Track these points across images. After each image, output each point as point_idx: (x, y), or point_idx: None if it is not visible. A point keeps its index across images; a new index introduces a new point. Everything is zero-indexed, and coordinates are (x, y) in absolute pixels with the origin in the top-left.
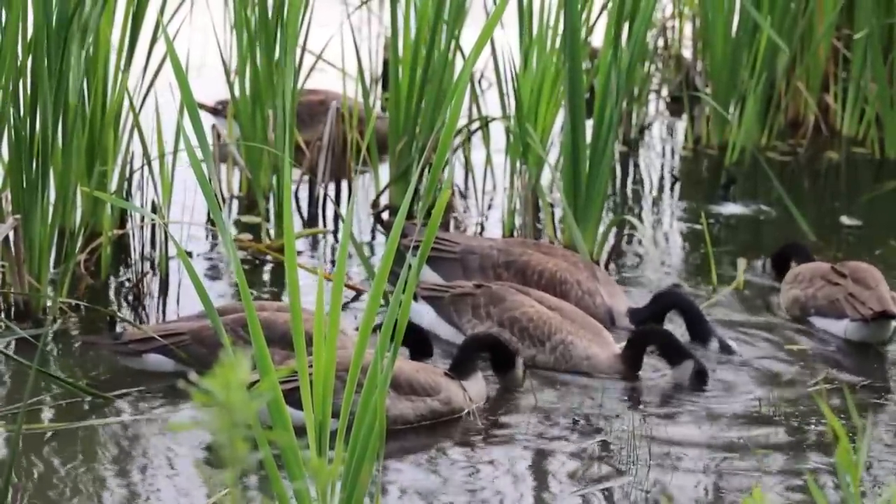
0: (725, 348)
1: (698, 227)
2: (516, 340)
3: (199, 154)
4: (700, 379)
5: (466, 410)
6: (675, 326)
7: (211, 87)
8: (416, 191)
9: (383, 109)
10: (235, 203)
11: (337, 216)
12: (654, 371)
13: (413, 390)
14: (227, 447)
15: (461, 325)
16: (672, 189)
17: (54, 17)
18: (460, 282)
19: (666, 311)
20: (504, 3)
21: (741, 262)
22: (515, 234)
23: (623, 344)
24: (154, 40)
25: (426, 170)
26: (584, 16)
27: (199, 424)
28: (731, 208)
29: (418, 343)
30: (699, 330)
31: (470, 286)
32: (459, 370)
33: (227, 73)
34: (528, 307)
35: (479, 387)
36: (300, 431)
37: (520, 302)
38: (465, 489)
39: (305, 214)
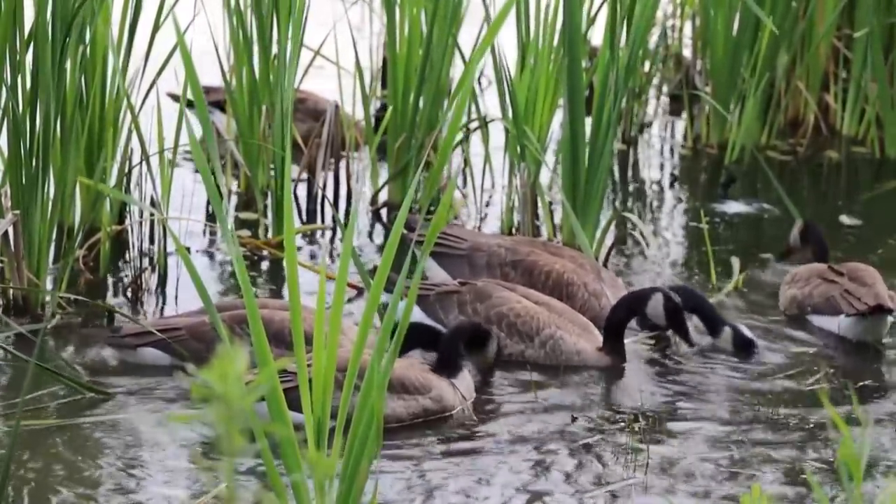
0: (740, 337)
1: (698, 225)
2: (504, 336)
3: (199, 151)
4: (673, 311)
5: (459, 407)
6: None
7: (208, 81)
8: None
9: (383, 107)
10: (234, 199)
11: (334, 213)
12: (652, 368)
13: (405, 389)
14: (225, 440)
15: (448, 322)
16: (671, 188)
17: (58, 12)
18: (445, 280)
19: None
20: (506, 11)
21: (736, 262)
22: (513, 231)
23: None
24: (153, 36)
25: (425, 167)
26: (584, 12)
27: (197, 417)
28: (730, 207)
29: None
30: (710, 322)
31: (455, 283)
32: (446, 368)
33: (223, 69)
34: (515, 303)
35: (468, 383)
36: (298, 430)
37: (506, 298)
38: (463, 486)
39: (304, 211)
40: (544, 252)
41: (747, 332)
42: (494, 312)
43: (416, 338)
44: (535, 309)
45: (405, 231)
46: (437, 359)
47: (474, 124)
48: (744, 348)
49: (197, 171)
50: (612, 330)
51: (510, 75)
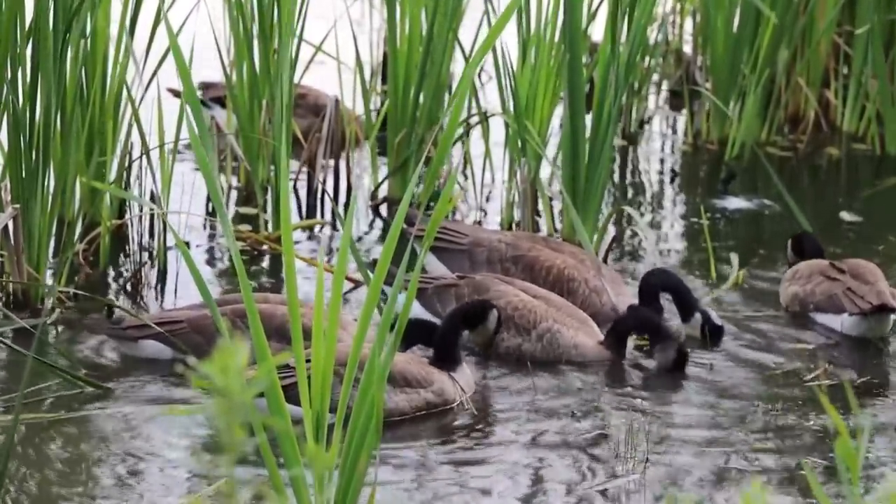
0: (710, 323)
1: (698, 221)
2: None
3: (200, 148)
4: (680, 362)
5: (459, 401)
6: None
7: (209, 76)
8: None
9: (383, 103)
10: (234, 194)
11: (334, 207)
12: (651, 365)
13: (407, 383)
14: (225, 433)
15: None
16: (672, 184)
17: (59, 5)
18: (443, 273)
19: (656, 294)
20: (511, 10)
21: (735, 258)
22: (513, 226)
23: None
24: (154, 30)
25: (425, 162)
26: (584, 8)
27: (196, 410)
28: (730, 203)
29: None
30: (683, 305)
31: (453, 277)
32: (445, 362)
33: (223, 64)
34: (513, 296)
35: (467, 377)
36: (297, 424)
37: (504, 291)
38: (462, 482)
39: (304, 206)
40: (545, 248)
41: (717, 320)
42: None
43: (417, 334)
44: (533, 302)
45: (405, 226)
46: (435, 351)
47: (475, 119)
48: (712, 335)
49: (197, 166)
50: (618, 333)
51: (512, 70)
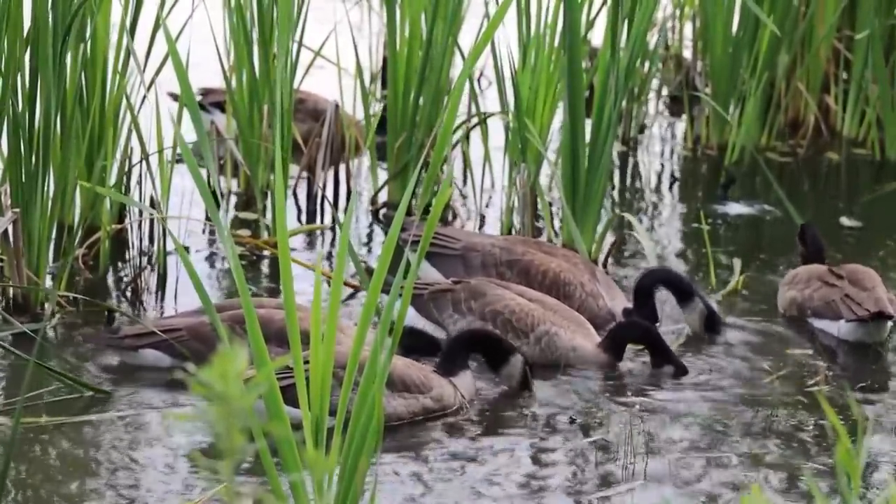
0: (710, 312)
1: (698, 227)
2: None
3: (190, 155)
4: (679, 376)
5: (457, 407)
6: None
7: (209, 82)
8: (415, 187)
9: (384, 108)
10: (234, 199)
11: (334, 213)
12: (651, 369)
13: (406, 388)
14: (224, 438)
15: (442, 321)
16: (671, 189)
17: (59, 10)
18: (437, 279)
19: (651, 294)
20: (505, 7)
21: (737, 264)
22: (513, 232)
23: (604, 335)
24: (154, 34)
25: (425, 167)
26: (584, 13)
27: (196, 416)
28: (730, 208)
29: (430, 347)
30: (680, 291)
31: (448, 282)
32: (448, 368)
33: (223, 68)
34: (510, 300)
35: (468, 383)
36: (297, 428)
37: (500, 295)
38: (461, 487)
39: (304, 211)
40: (538, 252)
41: (715, 306)
42: (489, 310)
43: (412, 345)
44: (530, 306)
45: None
46: (441, 358)
47: (474, 121)
48: (712, 322)
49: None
50: (617, 340)
51: (513, 70)
